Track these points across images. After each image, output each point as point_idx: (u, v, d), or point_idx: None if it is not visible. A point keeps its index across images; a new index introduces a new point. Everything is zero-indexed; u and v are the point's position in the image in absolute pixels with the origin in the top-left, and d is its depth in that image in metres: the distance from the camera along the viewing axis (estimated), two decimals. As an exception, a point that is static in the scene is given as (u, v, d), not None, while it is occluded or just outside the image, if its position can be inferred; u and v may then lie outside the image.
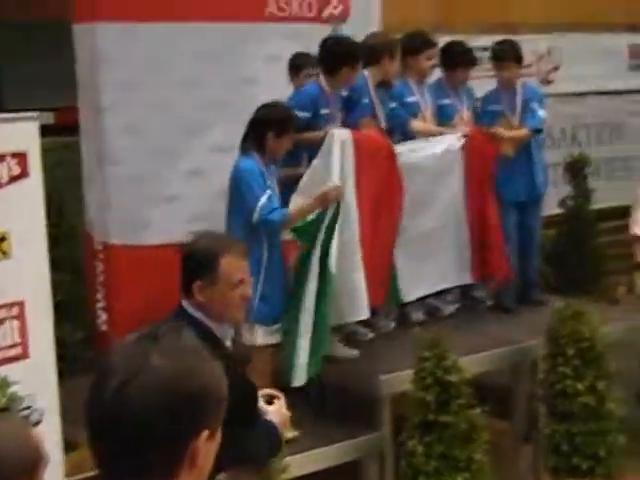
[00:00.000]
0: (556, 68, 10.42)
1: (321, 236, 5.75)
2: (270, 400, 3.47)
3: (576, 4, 10.48)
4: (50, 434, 4.65)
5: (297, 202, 5.78)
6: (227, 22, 6.99)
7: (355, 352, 6.11)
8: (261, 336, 5.59)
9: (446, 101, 7.24)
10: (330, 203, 5.74)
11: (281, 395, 3.50)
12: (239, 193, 5.55)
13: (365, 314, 6.07)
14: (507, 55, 7.26)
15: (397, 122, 6.83)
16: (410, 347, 5.71)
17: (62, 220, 6.88)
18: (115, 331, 6.64)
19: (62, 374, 5.03)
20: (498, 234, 6.96)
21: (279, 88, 6.59)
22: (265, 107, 5.78)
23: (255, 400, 3.41)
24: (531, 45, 10.06)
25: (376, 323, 6.57)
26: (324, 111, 6.24)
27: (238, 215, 5.60)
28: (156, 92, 6.74)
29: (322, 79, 6.28)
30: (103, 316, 6.87)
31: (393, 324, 6.75)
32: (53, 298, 4.89)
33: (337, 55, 6.20)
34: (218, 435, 1.79)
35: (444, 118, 7.18)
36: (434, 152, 6.68)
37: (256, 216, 5.45)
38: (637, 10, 10.97)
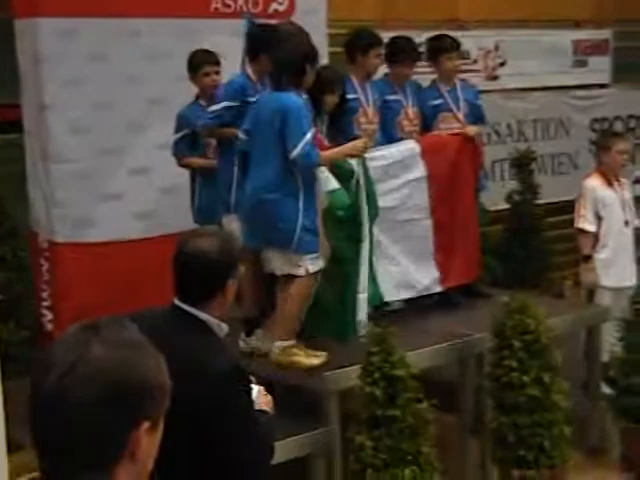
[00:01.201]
0: (502, 64, 10.49)
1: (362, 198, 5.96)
2: None
3: (522, 1, 10.57)
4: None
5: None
6: (172, 18, 6.97)
7: (323, 355, 5.79)
8: (310, 264, 5.56)
9: (392, 97, 7.23)
10: (357, 153, 5.80)
11: (253, 379, 3.43)
12: (285, 125, 5.39)
13: None
14: (451, 47, 7.32)
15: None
16: (356, 342, 5.72)
17: (5, 218, 6.81)
18: (60, 330, 6.58)
19: (5, 374, 4.96)
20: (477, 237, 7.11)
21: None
22: (285, 45, 5.60)
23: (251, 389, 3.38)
24: (477, 41, 10.15)
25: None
26: (252, 99, 6.16)
27: (277, 150, 5.47)
28: (99, 89, 6.69)
29: (248, 68, 6.24)
30: (48, 315, 6.82)
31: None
32: (-4, 297, 4.83)
33: (256, 42, 6.15)
34: (160, 427, 1.78)
35: (390, 113, 7.19)
36: (394, 159, 6.69)
37: (298, 150, 5.33)
38: (581, 7, 11.10)
